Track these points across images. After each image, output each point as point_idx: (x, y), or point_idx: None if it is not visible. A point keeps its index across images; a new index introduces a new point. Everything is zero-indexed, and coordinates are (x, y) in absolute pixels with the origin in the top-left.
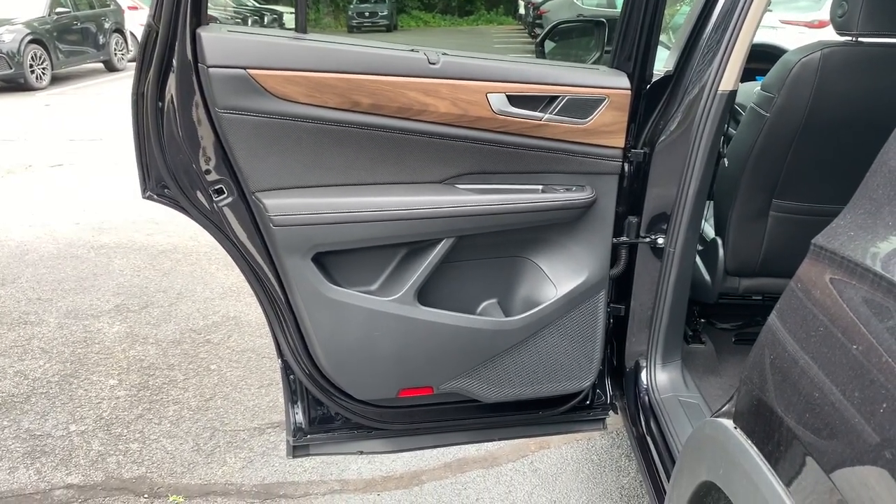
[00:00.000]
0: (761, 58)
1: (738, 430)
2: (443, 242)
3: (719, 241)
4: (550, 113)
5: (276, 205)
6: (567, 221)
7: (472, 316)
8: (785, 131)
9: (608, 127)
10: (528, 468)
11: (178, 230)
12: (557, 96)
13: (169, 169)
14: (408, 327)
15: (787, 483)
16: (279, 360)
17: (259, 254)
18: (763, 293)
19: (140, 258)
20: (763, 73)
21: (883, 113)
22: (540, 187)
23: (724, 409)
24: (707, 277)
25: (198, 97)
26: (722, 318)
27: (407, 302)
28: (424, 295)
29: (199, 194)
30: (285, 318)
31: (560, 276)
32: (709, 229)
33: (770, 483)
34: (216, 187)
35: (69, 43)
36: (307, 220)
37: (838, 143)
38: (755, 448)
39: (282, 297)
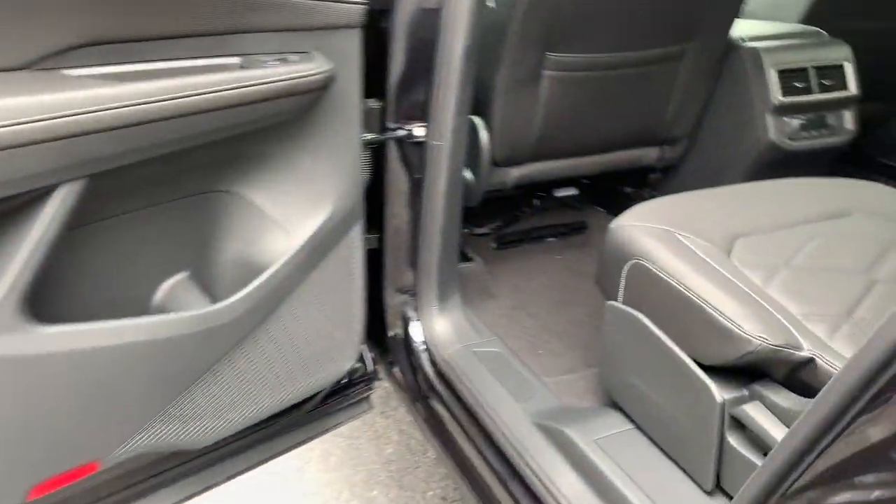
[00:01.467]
0: None
1: None
2: (58, 194)
3: (479, 123)
4: None
5: None
6: (289, 118)
7: (147, 318)
8: None
9: None
10: (262, 474)
11: None
12: None
13: None
14: (19, 372)
15: None
16: None
17: None
18: (539, 182)
19: None
20: None
21: None
22: (236, 61)
23: None
24: (469, 174)
25: None
26: (474, 222)
27: (7, 325)
28: (45, 301)
29: None
30: None
31: (290, 213)
32: None
33: None
34: None
35: None
36: None
37: None
38: None
39: None
